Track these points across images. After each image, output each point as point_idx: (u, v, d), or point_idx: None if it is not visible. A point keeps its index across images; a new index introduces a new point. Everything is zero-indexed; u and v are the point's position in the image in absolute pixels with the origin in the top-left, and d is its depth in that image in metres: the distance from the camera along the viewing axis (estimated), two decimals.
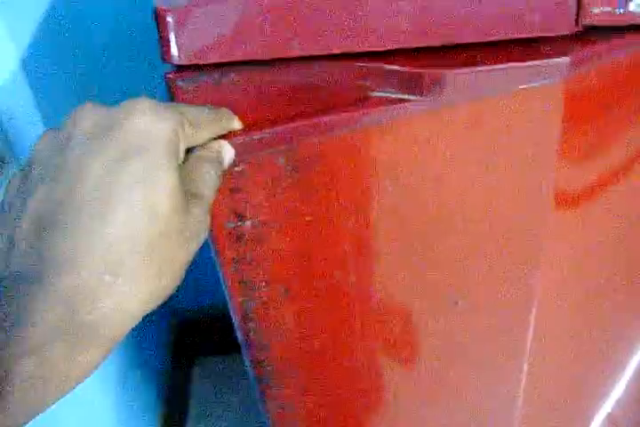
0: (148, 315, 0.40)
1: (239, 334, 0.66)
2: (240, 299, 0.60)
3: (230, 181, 0.52)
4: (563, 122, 0.52)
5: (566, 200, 0.61)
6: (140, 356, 1.23)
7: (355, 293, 0.61)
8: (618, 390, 0.87)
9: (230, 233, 0.54)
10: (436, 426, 0.82)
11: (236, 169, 0.52)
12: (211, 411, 1.45)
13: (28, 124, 0.93)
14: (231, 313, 0.63)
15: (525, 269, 0.64)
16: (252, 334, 0.64)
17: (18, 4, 0.88)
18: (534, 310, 0.67)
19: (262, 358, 0.68)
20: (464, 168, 0.53)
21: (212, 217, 0.54)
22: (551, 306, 0.69)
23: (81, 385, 0.40)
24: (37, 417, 0.39)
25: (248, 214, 0.54)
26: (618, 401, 0.88)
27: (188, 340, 1.52)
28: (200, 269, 1.11)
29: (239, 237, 0.55)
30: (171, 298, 0.41)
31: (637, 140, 0.58)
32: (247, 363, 0.71)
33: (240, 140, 0.49)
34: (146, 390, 1.26)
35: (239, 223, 0.54)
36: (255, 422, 1.34)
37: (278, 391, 0.72)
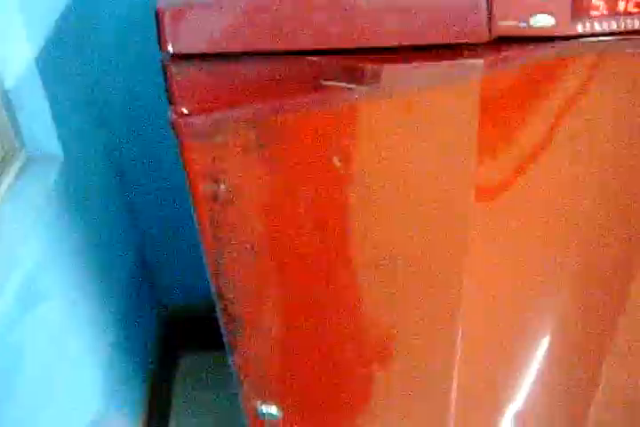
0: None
1: (213, 289, 0.78)
2: (213, 253, 0.72)
3: (212, 151, 0.64)
4: (480, 115, 0.64)
5: (486, 191, 0.73)
6: (127, 348, 1.30)
7: (311, 253, 0.73)
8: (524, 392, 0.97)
9: (207, 194, 0.67)
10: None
11: (218, 139, 0.64)
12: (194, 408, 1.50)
13: (39, 116, 1.05)
14: (207, 269, 0.75)
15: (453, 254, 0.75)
16: (223, 288, 0.76)
17: (36, 7, 1.00)
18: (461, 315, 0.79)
19: (231, 311, 0.79)
20: (397, 149, 0.66)
21: (194, 181, 0.66)
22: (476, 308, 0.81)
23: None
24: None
25: (222, 179, 0.66)
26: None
27: (175, 336, 1.57)
28: (191, 268, 1.18)
29: (214, 198, 0.67)
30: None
31: (547, 132, 0.70)
32: (220, 319, 0.82)
33: (220, 115, 0.62)
34: (132, 377, 1.33)
35: (215, 186, 0.66)
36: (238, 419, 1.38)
37: (247, 344, 0.84)
